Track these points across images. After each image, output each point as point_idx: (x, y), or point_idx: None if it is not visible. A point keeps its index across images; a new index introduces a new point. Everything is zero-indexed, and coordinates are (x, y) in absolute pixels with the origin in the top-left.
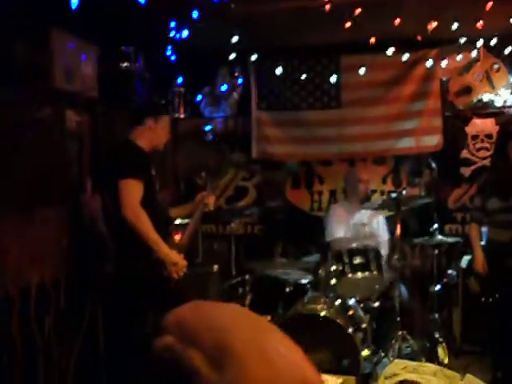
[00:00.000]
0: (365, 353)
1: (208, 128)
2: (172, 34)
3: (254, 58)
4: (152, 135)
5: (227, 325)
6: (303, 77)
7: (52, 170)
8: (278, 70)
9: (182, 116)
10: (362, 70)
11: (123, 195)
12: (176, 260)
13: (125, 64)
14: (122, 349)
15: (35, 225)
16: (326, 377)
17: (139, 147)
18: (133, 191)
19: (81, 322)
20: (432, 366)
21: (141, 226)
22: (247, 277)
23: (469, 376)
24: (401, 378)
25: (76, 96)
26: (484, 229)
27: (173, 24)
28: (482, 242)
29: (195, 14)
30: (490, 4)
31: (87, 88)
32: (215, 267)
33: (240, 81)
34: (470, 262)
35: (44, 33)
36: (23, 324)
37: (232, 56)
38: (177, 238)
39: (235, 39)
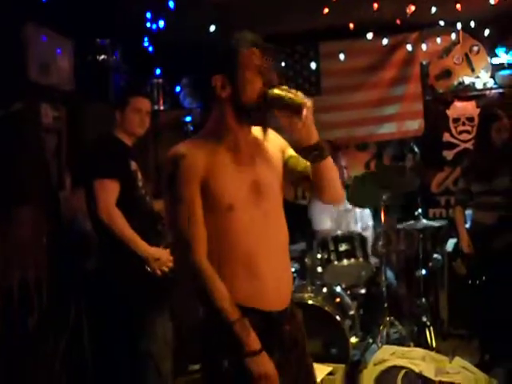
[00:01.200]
0: (353, 340)
1: (188, 119)
2: (148, 24)
3: None
4: (124, 123)
5: None
6: (282, 64)
7: (29, 167)
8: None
9: (161, 107)
10: (341, 56)
11: (97, 196)
12: (157, 255)
13: (101, 56)
14: (108, 347)
15: (13, 224)
16: (315, 365)
17: (118, 140)
18: (106, 191)
19: (65, 321)
20: (420, 351)
21: (115, 226)
22: None
23: (457, 359)
24: (390, 363)
25: (52, 90)
26: (468, 211)
27: (149, 15)
28: (467, 225)
29: (171, 4)
30: None
31: (63, 81)
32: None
33: None
34: (456, 245)
35: (17, 26)
36: (6, 325)
37: None
38: None
39: (212, 28)
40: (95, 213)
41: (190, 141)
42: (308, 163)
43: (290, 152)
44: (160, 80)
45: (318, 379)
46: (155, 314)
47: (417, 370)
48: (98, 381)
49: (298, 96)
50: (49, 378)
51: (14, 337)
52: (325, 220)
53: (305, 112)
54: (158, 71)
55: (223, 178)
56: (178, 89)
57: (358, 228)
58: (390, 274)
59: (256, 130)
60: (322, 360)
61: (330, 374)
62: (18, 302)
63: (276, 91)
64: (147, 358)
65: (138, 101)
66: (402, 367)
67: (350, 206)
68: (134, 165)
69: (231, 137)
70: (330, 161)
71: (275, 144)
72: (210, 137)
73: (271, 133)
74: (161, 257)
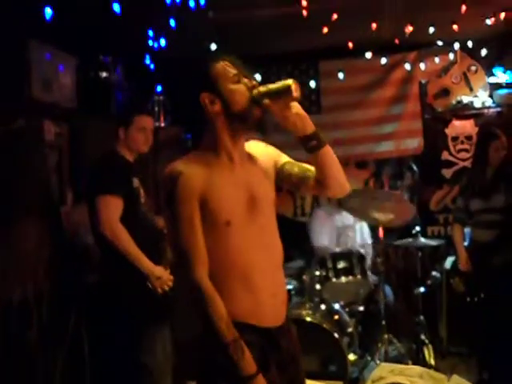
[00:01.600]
0: (351, 357)
1: (188, 136)
2: (150, 42)
3: None
4: (127, 140)
5: None
6: None
7: (31, 183)
8: (257, 77)
9: (162, 124)
10: (340, 75)
11: (100, 212)
12: (159, 274)
13: (103, 74)
14: (108, 361)
15: (15, 238)
16: (313, 383)
17: (121, 157)
18: (110, 208)
19: (64, 335)
20: (418, 368)
21: (119, 243)
22: None
23: (455, 377)
24: (388, 381)
25: (54, 107)
26: (467, 229)
27: (150, 33)
28: (466, 243)
29: (172, 23)
30: (464, 7)
31: (65, 98)
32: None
33: None
34: (454, 263)
35: (20, 44)
36: (6, 340)
37: None
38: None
39: (214, 47)
40: (98, 229)
41: (187, 158)
42: (305, 165)
43: (284, 159)
44: (161, 97)
45: None
46: (155, 329)
47: None
48: None
49: (280, 82)
50: None
51: (12, 350)
52: (324, 236)
53: (294, 88)
54: (159, 88)
55: (220, 194)
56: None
57: (356, 245)
58: (388, 291)
59: (248, 146)
60: (321, 377)
61: None
62: (18, 316)
63: (260, 88)
64: (147, 373)
65: (142, 119)
66: None
67: (349, 223)
68: (136, 181)
69: (226, 152)
70: (329, 149)
71: (267, 157)
72: (206, 153)
73: (262, 145)
74: (162, 276)
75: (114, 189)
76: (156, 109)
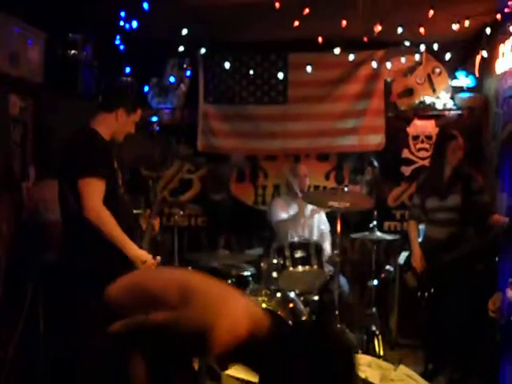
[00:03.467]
0: None
1: (154, 119)
2: (121, 23)
3: (202, 51)
4: (118, 126)
5: (184, 274)
6: (251, 72)
7: None
8: (227, 65)
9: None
10: (308, 68)
11: (84, 196)
12: (144, 258)
13: (72, 51)
14: (62, 337)
15: None
16: None
17: (102, 137)
18: (94, 191)
19: (20, 310)
20: (367, 358)
21: (104, 227)
22: (190, 268)
23: (402, 367)
24: None
25: (20, 81)
26: (421, 226)
27: (123, 14)
28: (420, 239)
29: (146, 6)
30: (432, 12)
31: (32, 73)
32: (158, 258)
33: (188, 73)
34: (408, 258)
35: None
36: None
37: (181, 48)
38: None
39: (185, 32)
40: (82, 213)
41: None
42: None
43: None
44: (129, 79)
45: None
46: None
47: (362, 376)
48: (51, 368)
49: None
50: (1, 365)
51: None
52: (283, 216)
53: None
54: (127, 70)
55: None
56: (146, 88)
57: (314, 235)
58: (343, 282)
59: None
60: None
61: None
62: None
63: None
64: (100, 352)
65: (140, 113)
66: None
67: (308, 213)
68: (115, 163)
69: None
70: None
71: None
72: None
73: None
74: (147, 259)
75: (98, 171)
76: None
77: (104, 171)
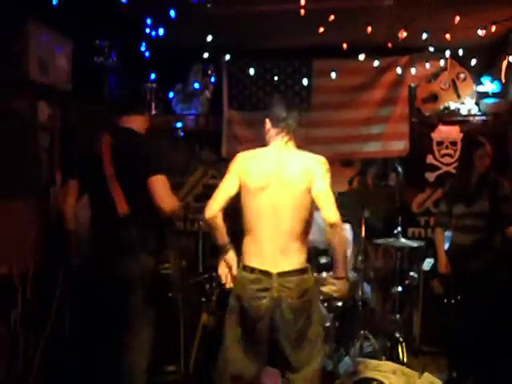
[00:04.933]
0: (326, 351)
1: (179, 125)
2: (147, 30)
3: (227, 57)
4: (146, 125)
5: None
6: (275, 78)
7: (23, 162)
8: (251, 71)
9: (153, 112)
10: (333, 75)
11: (159, 190)
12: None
13: (99, 58)
14: (88, 340)
15: (3, 217)
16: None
17: (149, 139)
18: (166, 184)
19: (47, 315)
20: (391, 365)
21: (177, 208)
22: (214, 274)
23: (426, 375)
24: (362, 375)
25: (49, 88)
26: (447, 233)
27: (149, 21)
28: (446, 246)
29: (172, 13)
30: (458, 18)
31: (61, 81)
32: (183, 263)
33: (212, 79)
34: (434, 265)
35: (21, 24)
36: None
37: (206, 55)
38: None
39: (209, 38)
40: (159, 204)
41: None
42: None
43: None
44: (154, 85)
45: None
46: (138, 314)
47: (387, 383)
48: (78, 372)
49: None
50: (28, 370)
51: None
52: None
53: None
54: (152, 76)
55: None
56: (170, 95)
57: None
58: (366, 289)
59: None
60: None
61: None
62: (2, 294)
63: None
64: (128, 353)
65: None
66: (373, 379)
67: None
68: None
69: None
70: None
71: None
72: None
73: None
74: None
75: (162, 168)
76: (148, 96)
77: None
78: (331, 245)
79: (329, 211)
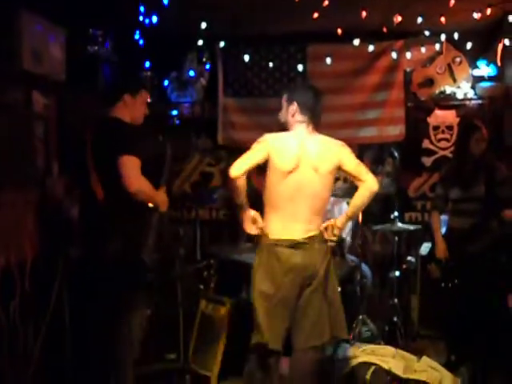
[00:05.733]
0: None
1: (174, 113)
2: (141, 18)
3: (221, 44)
4: (130, 110)
5: None
6: (270, 65)
7: (18, 153)
8: (246, 58)
9: (148, 100)
10: (328, 60)
11: (125, 170)
12: (164, 199)
13: (93, 47)
14: (88, 330)
15: (0, 208)
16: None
17: (126, 123)
18: (134, 166)
19: (47, 305)
20: (390, 349)
21: (145, 190)
22: (212, 261)
23: (425, 358)
24: (360, 359)
25: (43, 78)
26: (444, 217)
27: (142, 9)
28: (443, 230)
29: (165, 0)
30: (452, 1)
31: (55, 71)
32: (181, 250)
33: (207, 66)
34: (431, 249)
35: (12, 14)
36: None
37: (200, 42)
38: None
39: (204, 25)
40: (124, 184)
41: None
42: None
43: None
44: (149, 73)
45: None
46: (134, 303)
47: (386, 367)
48: (78, 362)
49: None
50: (28, 361)
51: None
52: None
53: None
54: (147, 64)
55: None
56: (165, 83)
57: None
58: (367, 272)
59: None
60: None
61: None
62: (1, 285)
63: None
64: (125, 343)
65: (146, 94)
66: (372, 364)
67: (329, 207)
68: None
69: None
70: None
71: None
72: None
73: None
74: (165, 199)
75: (135, 150)
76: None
77: (139, 152)
78: (354, 201)
79: (371, 179)
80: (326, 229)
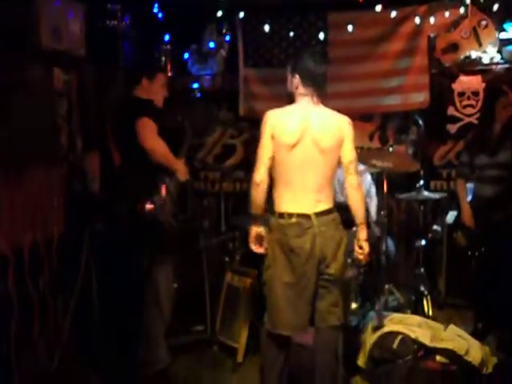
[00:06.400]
0: (352, 306)
1: (195, 86)
2: None
3: (241, 15)
4: (148, 93)
5: None
6: (290, 34)
7: (42, 130)
8: (266, 27)
9: (169, 74)
10: (349, 27)
11: (142, 129)
12: (183, 167)
13: (112, 22)
14: (117, 302)
15: (26, 185)
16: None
17: (146, 99)
18: (151, 126)
19: (75, 280)
20: (417, 318)
21: (161, 150)
22: (237, 233)
23: (452, 327)
24: (387, 329)
25: (63, 55)
26: (470, 184)
27: None
28: (469, 198)
29: None
30: None
31: (74, 46)
32: (205, 223)
33: (227, 38)
34: (457, 217)
35: None
36: (19, 284)
37: (219, 13)
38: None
39: None
40: (141, 143)
41: None
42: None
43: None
44: (168, 46)
45: None
46: (159, 268)
47: (413, 336)
48: (107, 335)
49: None
50: (59, 334)
51: (25, 296)
52: None
53: None
54: (166, 38)
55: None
56: (186, 56)
57: None
58: (390, 243)
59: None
60: None
61: None
62: (29, 263)
63: None
64: (153, 306)
65: (163, 76)
66: (399, 333)
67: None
68: None
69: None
70: None
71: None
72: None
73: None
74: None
75: (152, 116)
76: (163, 58)
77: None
78: (353, 207)
79: (354, 179)
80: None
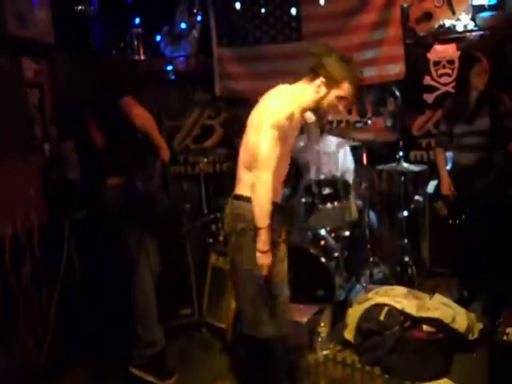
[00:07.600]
0: (338, 281)
1: (169, 68)
2: None
3: None
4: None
5: None
6: (263, 10)
7: (14, 121)
8: (237, 5)
9: (142, 57)
10: (321, 1)
11: (126, 102)
12: (165, 145)
13: (79, 7)
14: (101, 287)
15: (2, 176)
16: (302, 306)
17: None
18: (135, 102)
19: (57, 269)
20: (402, 289)
21: (146, 116)
22: (219, 214)
23: (437, 296)
24: (373, 301)
25: (31, 42)
26: (449, 153)
27: None
28: (448, 167)
29: None
30: None
31: (42, 34)
32: (187, 206)
33: (199, 18)
34: (437, 186)
35: None
36: (1, 278)
37: None
38: None
39: None
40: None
41: None
42: None
43: None
44: (139, 29)
45: (306, 319)
46: (151, 242)
47: (399, 307)
48: (92, 322)
49: None
50: (45, 326)
51: (8, 288)
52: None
53: None
54: (137, 20)
55: None
56: (158, 38)
57: (339, 171)
58: (372, 216)
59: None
60: (309, 301)
61: (317, 313)
62: (11, 253)
63: None
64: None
65: None
66: (385, 305)
67: (333, 148)
68: None
69: None
70: None
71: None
72: None
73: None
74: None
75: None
76: (135, 42)
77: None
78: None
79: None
80: None
